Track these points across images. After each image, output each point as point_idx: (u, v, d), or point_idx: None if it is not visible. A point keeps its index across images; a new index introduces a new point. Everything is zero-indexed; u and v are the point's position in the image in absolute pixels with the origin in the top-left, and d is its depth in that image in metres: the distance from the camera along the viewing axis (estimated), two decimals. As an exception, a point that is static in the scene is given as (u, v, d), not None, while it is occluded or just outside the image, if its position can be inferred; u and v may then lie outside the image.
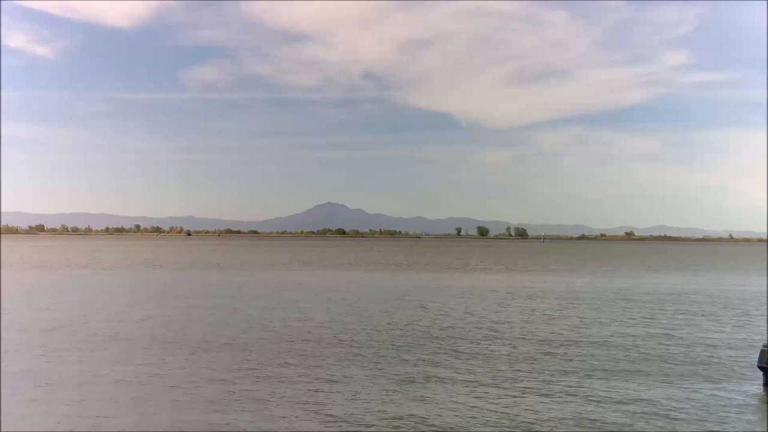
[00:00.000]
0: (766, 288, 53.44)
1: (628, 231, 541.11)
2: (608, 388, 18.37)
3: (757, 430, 15.10)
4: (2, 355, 22.11)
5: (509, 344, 25.31)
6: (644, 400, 17.24)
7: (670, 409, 16.37)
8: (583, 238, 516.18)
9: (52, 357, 22.17)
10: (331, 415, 15.58)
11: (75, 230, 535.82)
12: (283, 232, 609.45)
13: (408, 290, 48.65)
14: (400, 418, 15.45)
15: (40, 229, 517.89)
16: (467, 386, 18.47)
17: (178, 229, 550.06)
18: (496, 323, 31.04)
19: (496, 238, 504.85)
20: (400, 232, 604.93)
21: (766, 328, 30.22)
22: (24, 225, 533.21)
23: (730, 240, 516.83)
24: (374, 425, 14.92)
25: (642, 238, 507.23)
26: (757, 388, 18.49)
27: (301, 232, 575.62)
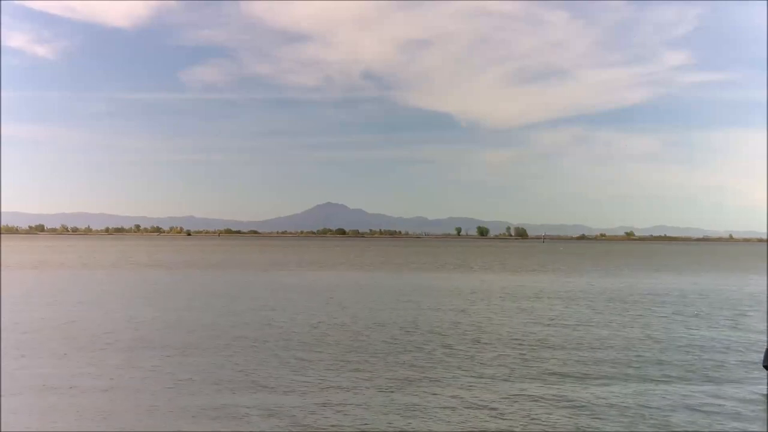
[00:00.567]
0: (766, 288, 53.33)
1: (628, 231, 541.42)
2: (608, 390, 18.21)
3: (762, 431, 14.95)
4: (1, 355, 21.99)
5: (506, 345, 25.17)
6: (644, 400, 17.09)
7: (669, 410, 16.23)
8: (583, 238, 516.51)
9: (35, 359, 22.02)
10: (320, 415, 15.45)
11: (75, 230, 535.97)
12: (283, 232, 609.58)
13: (407, 290, 48.52)
14: (391, 420, 15.31)
15: (40, 229, 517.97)
16: (461, 388, 18.32)
17: (178, 229, 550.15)
18: (495, 324, 30.92)
19: (496, 238, 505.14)
20: (400, 232, 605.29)
21: (766, 329, 30.12)
22: (24, 225, 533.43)
23: (730, 240, 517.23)
24: (363, 427, 14.78)
25: (642, 238, 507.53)
26: (761, 388, 18.35)
27: (301, 232, 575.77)
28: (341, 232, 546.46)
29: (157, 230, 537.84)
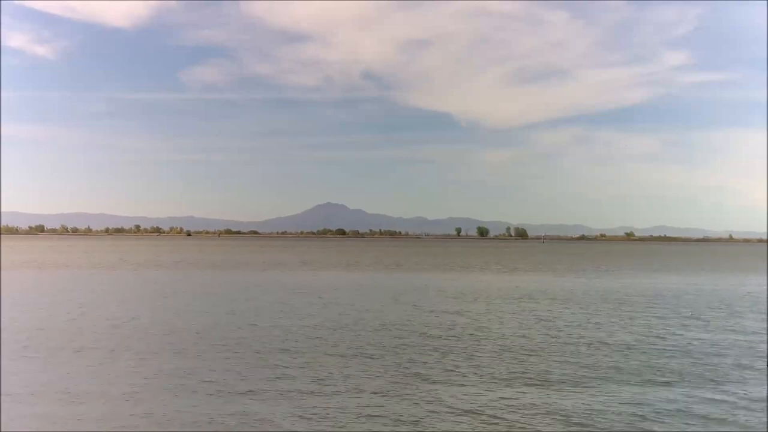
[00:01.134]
0: (766, 288, 53.32)
1: (628, 231, 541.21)
2: (607, 391, 18.19)
3: (761, 430, 14.94)
4: (1, 356, 22.00)
5: (504, 346, 25.15)
6: (644, 400, 17.07)
7: (669, 410, 16.21)
8: (583, 238, 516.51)
9: (29, 360, 22.02)
10: (316, 415, 15.44)
11: (75, 230, 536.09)
12: (283, 233, 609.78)
13: (407, 290, 48.51)
14: (387, 421, 15.30)
15: (40, 229, 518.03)
16: (458, 388, 18.31)
17: (178, 229, 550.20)
18: (494, 324, 30.91)
19: (496, 238, 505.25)
20: (400, 232, 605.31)
21: (766, 329, 30.10)
22: (24, 225, 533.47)
23: (730, 240, 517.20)
24: (360, 427, 14.77)
25: (642, 239, 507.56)
26: (761, 388, 18.33)
27: (301, 233, 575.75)
28: (341, 232, 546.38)
29: (157, 230, 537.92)
